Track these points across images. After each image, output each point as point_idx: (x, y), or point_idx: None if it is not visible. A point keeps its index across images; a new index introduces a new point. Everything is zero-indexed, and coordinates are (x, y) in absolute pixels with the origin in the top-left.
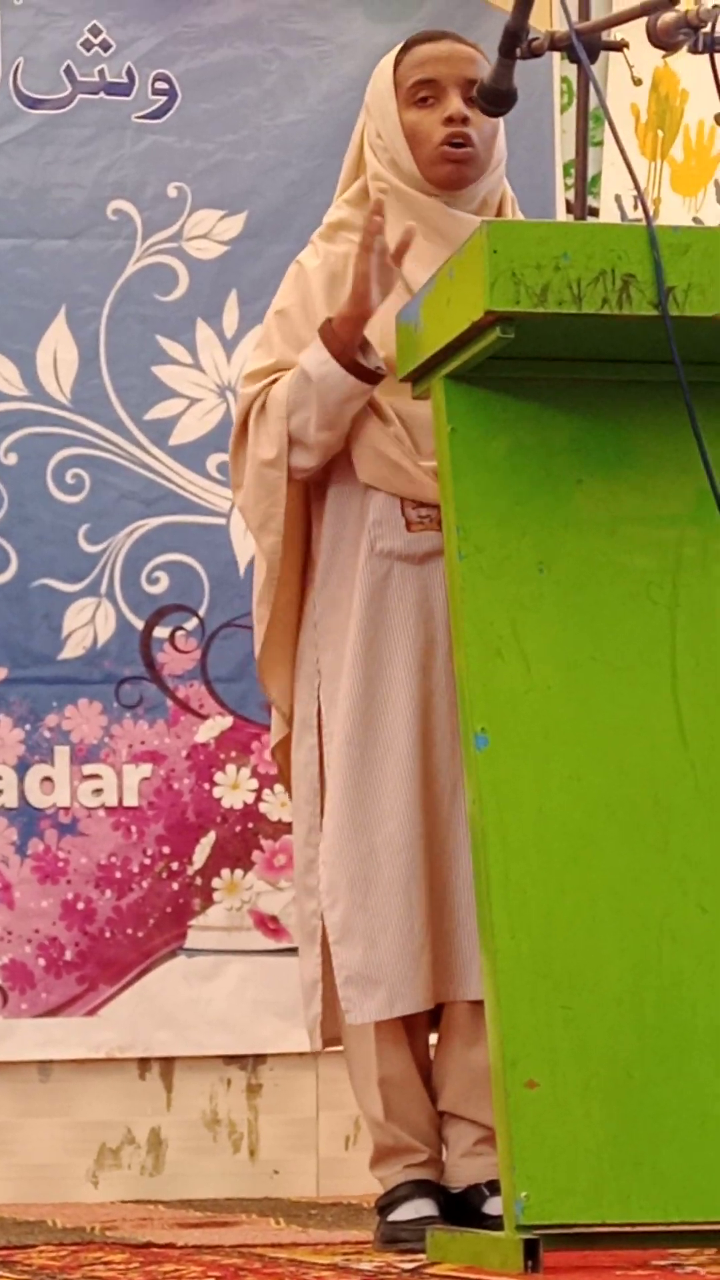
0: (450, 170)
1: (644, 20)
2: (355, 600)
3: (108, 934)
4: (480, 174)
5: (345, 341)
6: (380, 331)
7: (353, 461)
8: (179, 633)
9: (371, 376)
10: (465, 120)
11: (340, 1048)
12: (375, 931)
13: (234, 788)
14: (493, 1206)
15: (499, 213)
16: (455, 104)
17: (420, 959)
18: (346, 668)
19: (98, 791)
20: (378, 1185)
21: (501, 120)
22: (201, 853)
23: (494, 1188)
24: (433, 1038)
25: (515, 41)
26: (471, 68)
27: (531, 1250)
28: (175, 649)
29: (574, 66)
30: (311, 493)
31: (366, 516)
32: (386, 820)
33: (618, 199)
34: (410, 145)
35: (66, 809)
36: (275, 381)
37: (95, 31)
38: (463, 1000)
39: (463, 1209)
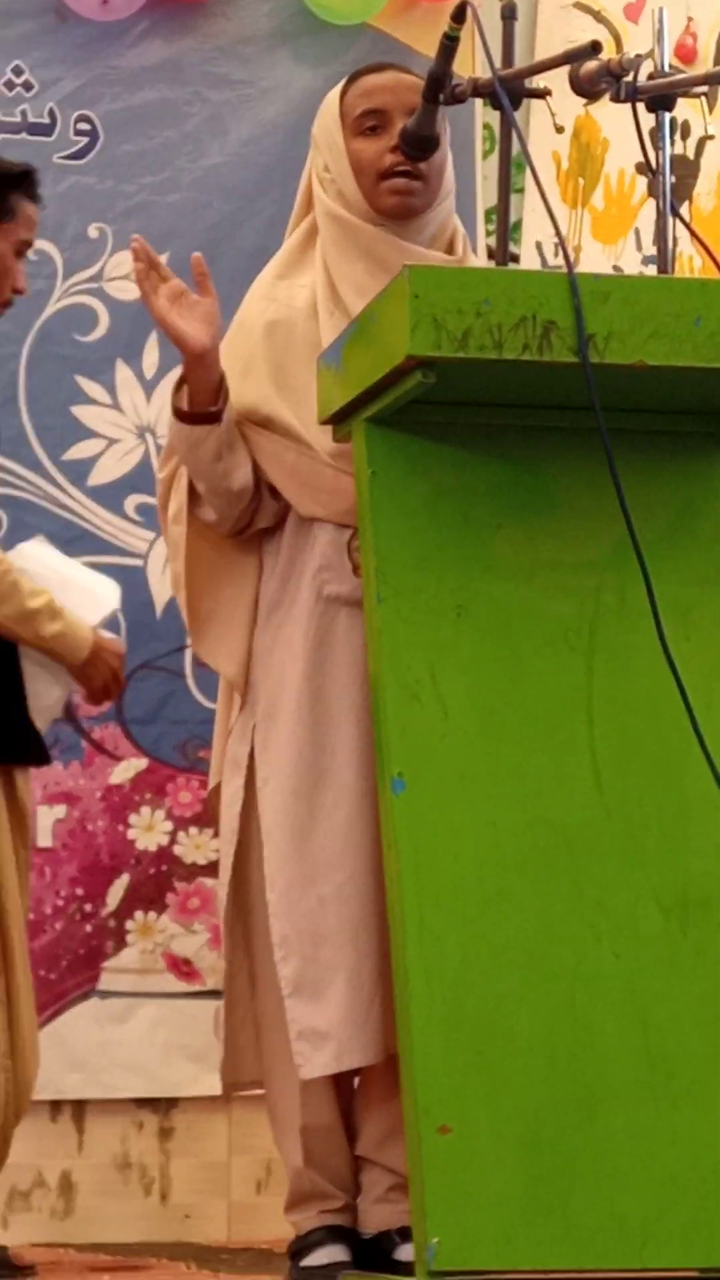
0: (397, 201)
1: (567, 68)
2: (302, 644)
3: None
4: (429, 204)
5: (188, 387)
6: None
7: (290, 503)
8: None
9: (200, 419)
10: None
11: (244, 1093)
12: (325, 985)
13: (148, 830)
14: (404, 1253)
15: (450, 246)
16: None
17: (370, 1011)
18: (289, 713)
19: None
20: (290, 1230)
21: (449, 149)
22: (115, 895)
23: (405, 1234)
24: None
25: (439, 87)
26: (417, 96)
27: None
28: None
29: (496, 113)
30: (264, 537)
31: (314, 561)
32: (335, 872)
33: (538, 246)
34: (356, 175)
35: None
36: None
37: (18, 71)
38: None
39: (375, 1255)
